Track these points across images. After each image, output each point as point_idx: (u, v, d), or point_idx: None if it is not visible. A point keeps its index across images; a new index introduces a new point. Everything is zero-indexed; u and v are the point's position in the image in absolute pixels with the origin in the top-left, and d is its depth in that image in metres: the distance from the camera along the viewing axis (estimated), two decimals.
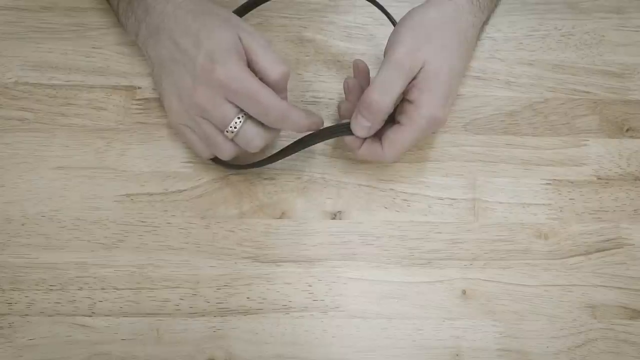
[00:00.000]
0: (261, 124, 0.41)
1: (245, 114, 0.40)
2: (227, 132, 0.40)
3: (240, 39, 0.40)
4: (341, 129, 0.43)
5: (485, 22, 0.51)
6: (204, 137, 0.42)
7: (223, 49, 0.39)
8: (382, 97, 0.41)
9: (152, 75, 0.46)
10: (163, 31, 0.42)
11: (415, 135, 0.42)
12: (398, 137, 0.42)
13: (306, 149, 0.45)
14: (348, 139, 0.43)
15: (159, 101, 0.47)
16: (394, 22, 0.46)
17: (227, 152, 0.42)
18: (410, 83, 0.42)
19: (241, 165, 0.45)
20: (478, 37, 0.50)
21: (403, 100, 0.43)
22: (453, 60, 0.43)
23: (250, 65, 0.40)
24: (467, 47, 0.47)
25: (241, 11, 0.49)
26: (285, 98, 0.43)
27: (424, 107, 0.41)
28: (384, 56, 0.42)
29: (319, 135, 0.43)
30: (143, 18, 0.44)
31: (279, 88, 0.41)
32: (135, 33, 0.46)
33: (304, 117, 0.41)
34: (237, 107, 0.40)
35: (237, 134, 0.40)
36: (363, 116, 0.41)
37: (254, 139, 0.41)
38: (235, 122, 0.40)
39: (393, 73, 0.41)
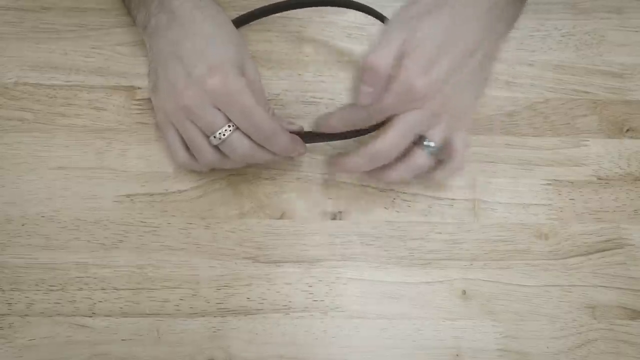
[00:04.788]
0: (249, 138, 0.41)
1: (234, 125, 0.40)
2: (213, 137, 0.40)
3: (244, 64, 0.41)
4: (353, 132, 0.43)
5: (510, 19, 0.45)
6: (188, 140, 0.42)
7: (226, 62, 0.40)
8: (377, 56, 0.39)
9: (149, 68, 0.46)
10: (174, 27, 0.42)
11: (389, 102, 0.40)
12: (377, 106, 0.40)
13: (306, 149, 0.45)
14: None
15: None
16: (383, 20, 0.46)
17: (208, 158, 0.42)
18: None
19: None
20: (503, 22, 0.43)
21: None
22: (447, 35, 0.40)
23: None
24: (475, 27, 0.41)
25: (242, 21, 0.49)
26: None
27: (402, 72, 0.39)
28: None
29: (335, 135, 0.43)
30: (155, 13, 0.44)
31: None
32: (143, 25, 0.45)
33: (289, 142, 0.41)
34: (226, 117, 0.40)
35: (224, 141, 0.40)
36: (364, 82, 0.40)
37: (242, 147, 0.41)
38: (224, 130, 0.40)
39: (387, 31, 0.40)
